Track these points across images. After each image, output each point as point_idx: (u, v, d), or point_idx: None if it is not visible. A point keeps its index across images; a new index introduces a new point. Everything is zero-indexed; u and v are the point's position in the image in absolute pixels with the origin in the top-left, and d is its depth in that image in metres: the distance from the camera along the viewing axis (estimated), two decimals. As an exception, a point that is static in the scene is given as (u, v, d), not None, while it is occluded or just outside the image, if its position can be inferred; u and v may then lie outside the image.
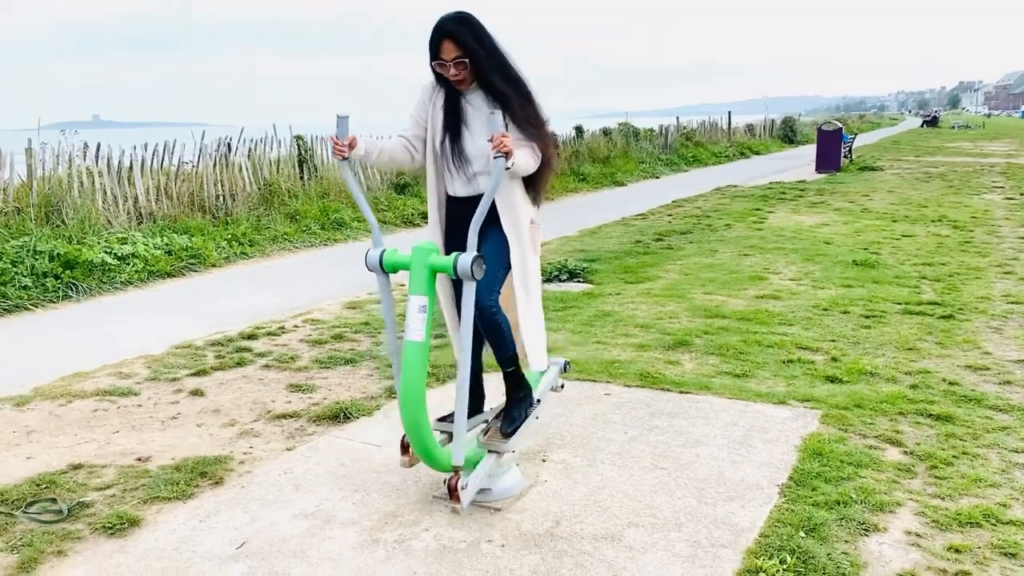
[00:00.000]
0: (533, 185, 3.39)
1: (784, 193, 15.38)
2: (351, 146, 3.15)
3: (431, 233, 3.42)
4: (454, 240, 3.29)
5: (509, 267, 3.31)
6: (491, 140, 2.94)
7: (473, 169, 3.28)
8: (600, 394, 4.73)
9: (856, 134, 28.07)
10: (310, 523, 3.28)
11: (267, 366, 5.31)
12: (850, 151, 22.68)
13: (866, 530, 3.15)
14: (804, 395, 4.59)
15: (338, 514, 3.35)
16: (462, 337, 3.06)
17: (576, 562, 2.96)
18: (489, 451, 3.45)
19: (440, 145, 3.32)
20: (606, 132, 21.25)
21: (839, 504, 3.32)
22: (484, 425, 3.59)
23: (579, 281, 7.99)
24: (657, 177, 20.18)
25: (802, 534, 3.10)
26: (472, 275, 2.95)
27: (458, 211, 3.34)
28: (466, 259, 2.94)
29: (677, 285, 7.62)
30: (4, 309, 6.83)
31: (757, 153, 28.30)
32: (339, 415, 4.37)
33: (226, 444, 4.07)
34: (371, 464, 3.79)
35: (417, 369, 3.01)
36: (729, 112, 30.86)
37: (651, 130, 23.66)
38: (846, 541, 3.06)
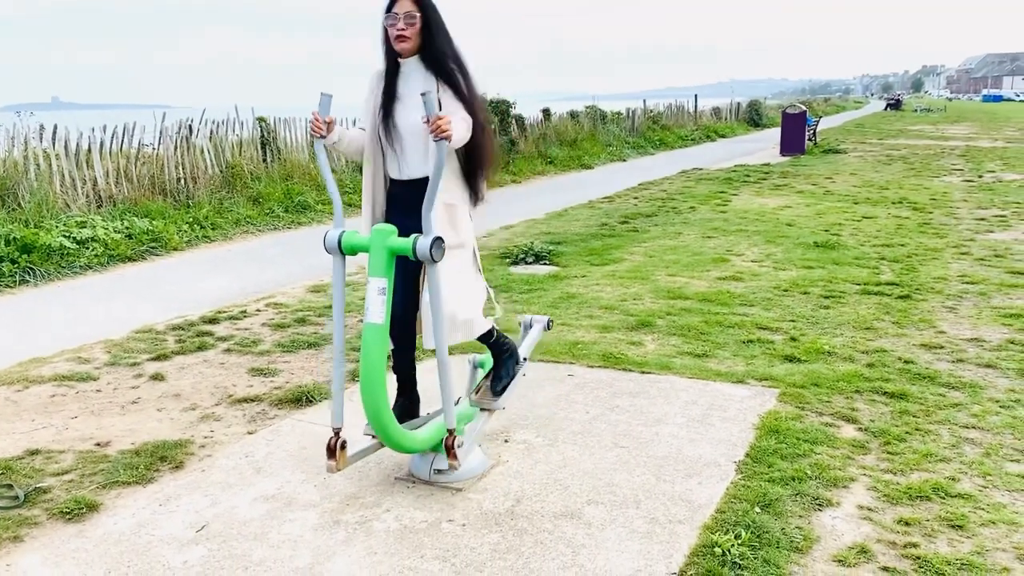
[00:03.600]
0: (468, 171, 3.35)
1: (748, 176, 15.51)
2: (329, 127, 3.14)
3: (364, 215, 3.39)
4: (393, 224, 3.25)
5: None
6: (427, 122, 2.91)
7: (406, 147, 3.25)
8: (563, 375, 4.76)
9: (820, 117, 28.38)
10: (271, 506, 3.28)
11: (229, 350, 5.27)
12: (814, 134, 22.92)
13: (820, 505, 3.22)
14: (763, 374, 4.66)
15: (299, 496, 3.35)
16: (434, 316, 3.06)
17: (536, 540, 2.99)
18: (481, 409, 3.51)
19: (379, 122, 3.29)
20: (573, 115, 21.25)
21: (794, 480, 3.39)
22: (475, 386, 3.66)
23: (545, 264, 8.01)
24: (624, 160, 20.24)
25: (757, 510, 3.16)
26: (431, 257, 2.95)
27: (398, 194, 3.33)
28: (425, 241, 2.94)
29: (641, 267, 7.67)
30: (-41, 294, 6.70)
31: (723, 136, 28.48)
32: (301, 399, 4.36)
33: (187, 428, 4.05)
34: (333, 446, 3.79)
35: (377, 352, 3.01)
36: (696, 95, 31.00)
37: (618, 113, 23.70)
38: (800, 516, 3.13)
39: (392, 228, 3.05)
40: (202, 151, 10.59)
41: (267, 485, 3.45)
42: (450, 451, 3.15)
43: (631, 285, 6.94)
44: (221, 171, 10.71)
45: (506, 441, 3.86)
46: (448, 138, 2.91)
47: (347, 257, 3.12)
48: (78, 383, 4.66)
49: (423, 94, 2.91)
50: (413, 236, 2.97)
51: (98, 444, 3.85)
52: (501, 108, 17.06)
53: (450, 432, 3.16)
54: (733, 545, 2.88)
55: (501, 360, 3.59)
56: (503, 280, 7.19)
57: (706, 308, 6.09)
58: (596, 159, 19.32)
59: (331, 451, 3.15)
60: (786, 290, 6.61)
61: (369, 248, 3.02)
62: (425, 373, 3.78)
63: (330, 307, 6.23)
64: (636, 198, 12.88)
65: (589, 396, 4.42)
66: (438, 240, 2.96)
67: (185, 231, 9.12)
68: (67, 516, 3.17)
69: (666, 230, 9.76)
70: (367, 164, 3.40)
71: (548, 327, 4.11)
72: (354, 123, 3.73)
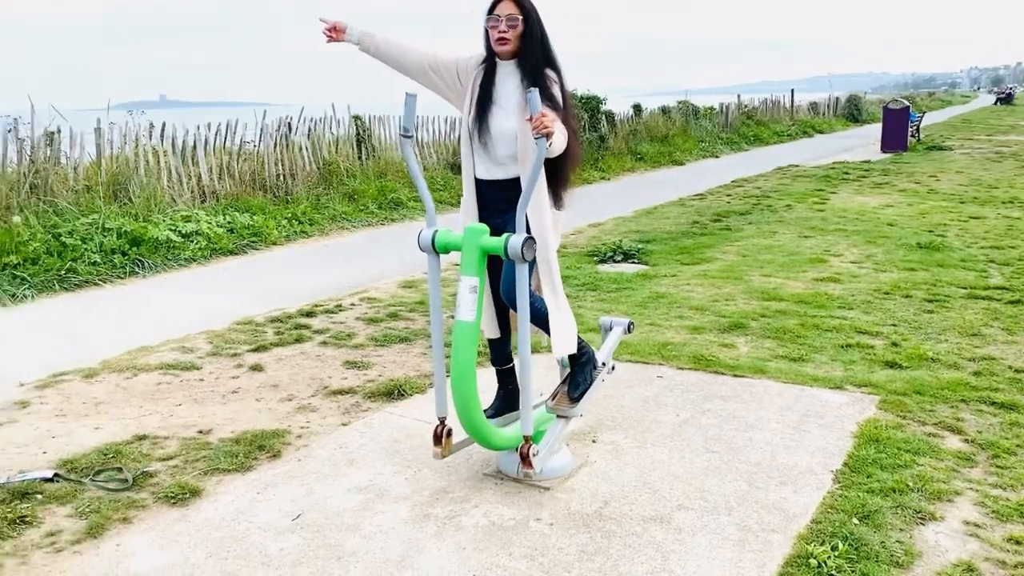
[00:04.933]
0: (556, 178, 3.34)
1: (847, 173, 15.00)
2: (336, 30, 3.30)
3: (463, 216, 3.42)
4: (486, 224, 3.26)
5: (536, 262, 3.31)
6: (530, 120, 2.91)
7: (497, 150, 3.27)
8: (652, 376, 4.71)
9: (924, 112, 27.17)
10: (363, 497, 3.35)
11: (324, 343, 5.42)
12: (918, 130, 21.98)
13: (922, 519, 3.09)
14: (862, 380, 4.50)
15: (391, 489, 3.41)
16: (519, 315, 3.09)
17: (624, 543, 2.97)
18: (558, 416, 3.51)
19: (471, 123, 3.31)
20: (665, 110, 20.96)
21: (895, 492, 3.27)
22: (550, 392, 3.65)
23: (634, 262, 7.94)
24: (716, 156, 19.86)
25: (855, 521, 3.05)
26: (523, 256, 2.96)
27: (486, 194, 3.34)
28: (517, 240, 2.95)
29: (734, 267, 7.51)
30: (75, 284, 7.08)
31: (820, 132, 27.62)
32: (393, 392, 4.44)
33: (284, 418, 4.17)
34: (423, 441, 3.84)
35: (467, 349, 3.03)
36: (792, 90, 30.12)
37: (711, 108, 23.25)
38: (901, 529, 3.01)
39: (484, 227, 3.07)
40: (300, 148, 10.90)
41: (360, 476, 3.53)
42: (525, 459, 3.14)
43: (723, 285, 6.80)
44: (318, 168, 10.99)
45: (594, 441, 3.84)
46: (549, 135, 2.90)
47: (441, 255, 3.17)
48: (182, 372, 4.86)
49: (529, 91, 2.92)
50: (505, 235, 2.99)
51: (200, 431, 4.01)
52: (591, 104, 16.96)
53: (526, 439, 3.15)
54: (830, 557, 2.79)
55: (578, 365, 3.57)
56: (591, 278, 7.15)
57: (802, 310, 5.92)
58: (688, 155, 19.01)
59: (437, 438, 3.28)
60: (887, 293, 6.37)
61: (462, 247, 3.05)
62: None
63: (421, 303, 6.32)
64: (729, 195, 12.62)
65: (679, 399, 4.36)
66: (529, 240, 2.97)
67: (284, 226, 9.40)
68: (171, 500, 3.31)
69: (761, 229, 9.53)
70: (463, 162, 3.44)
71: (629, 330, 4.06)
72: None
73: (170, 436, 3.95)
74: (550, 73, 3.29)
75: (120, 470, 3.56)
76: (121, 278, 7.45)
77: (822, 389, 4.43)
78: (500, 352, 3.59)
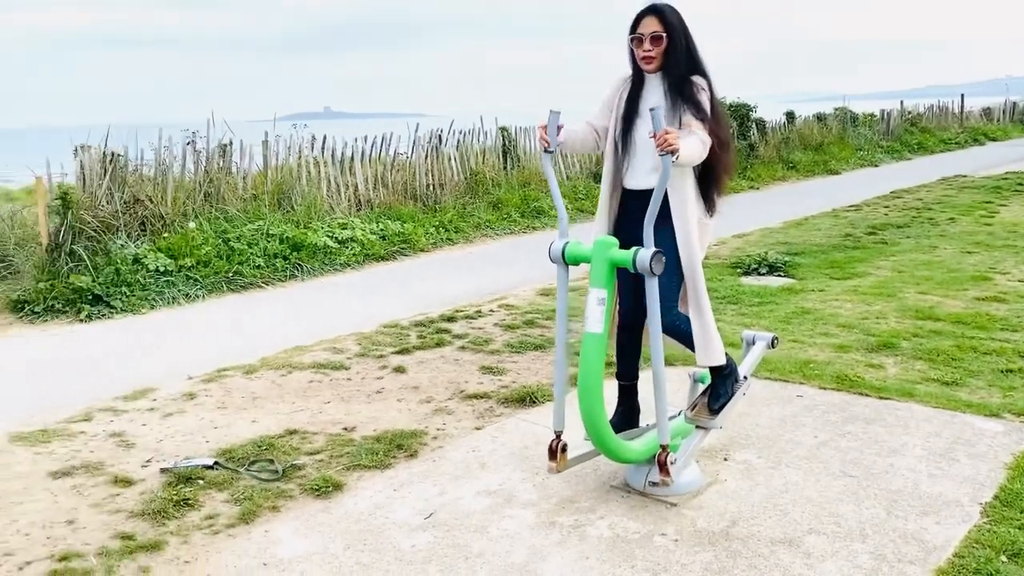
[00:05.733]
0: (706, 188, 3.34)
1: (1021, 184, 13.91)
2: (558, 133, 3.28)
3: (597, 225, 3.46)
4: (620, 235, 3.29)
5: (683, 274, 3.31)
6: (654, 137, 2.94)
7: (641, 161, 3.29)
8: (791, 395, 4.58)
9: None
10: (492, 500, 3.46)
11: (463, 347, 5.60)
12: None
13: (1082, 562, 2.87)
14: (1022, 409, 4.20)
15: (519, 494, 3.51)
16: (651, 329, 3.12)
17: (750, 563, 2.93)
18: (696, 427, 3.51)
19: (617, 134, 3.36)
20: (820, 117, 20.14)
21: (1052, 531, 3.04)
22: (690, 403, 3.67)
23: (779, 275, 7.71)
24: (876, 165, 18.89)
25: (1003, 559, 2.88)
26: (651, 270, 2.99)
27: (629, 203, 3.37)
28: (645, 255, 2.98)
29: (888, 283, 7.16)
30: (241, 286, 7.64)
31: (993, 139, 25.66)
32: (526, 399, 4.54)
33: (422, 420, 4.36)
34: (553, 449, 3.91)
35: (595, 360, 3.09)
36: (962, 95, 28.18)
37: (871, 115, 22.13)
38: (1056, 572, 2.81)
39: (614, 240, 3.12)
40: (449, 159, 11.27)
41: (490, 480, 3.64)
42: (663, 467, 3.16)
43: (874, 302, 6.50)
44: (465, 178, 11.33)
45: (725, 459, 3.79)
46: (673, 152, 2.92)
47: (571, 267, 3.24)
48: (332, 371, 5.16)
49: (651, 109, 2.95)
50: (634, 249, 3.02)
51: (345, 428, 4.25)
52: (740, 112, 16.56)
53: (663, 448, 3.17)
54: (971, 595, 2.65)
55: (720, 377, 3.54)
56: (732, 292, 7.02)
57: (960, 331, 5.58)
58: (844, 164, 18.19)
59: (552, 453, 3.28)
60: (1060, 315, 5.89)
61: (591, 259, 3.11)
62: (645, 383, 3.80)
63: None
64: (887, 207, 12.00)
65: (819, 419, 4.22)
66: (658, 254, 2.99)
67: (431, 234, 9.75)
68: (316, 492, 3.54)
69: (920, 243, 9.02)
70: (605, 172, 3.49)
71: (772, 345, 3.98)
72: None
73: (318, 432, 4.22)
74: (697, 80, 3.29)
75: (272, 462, 3.84)
76: (282, 281, 7.96)
77: (976, 416, 4.17)
78: (627, 366, 3.61)
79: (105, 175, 7.71)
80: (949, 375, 4.76)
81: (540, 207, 11.20)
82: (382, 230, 9.34)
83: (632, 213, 3.38)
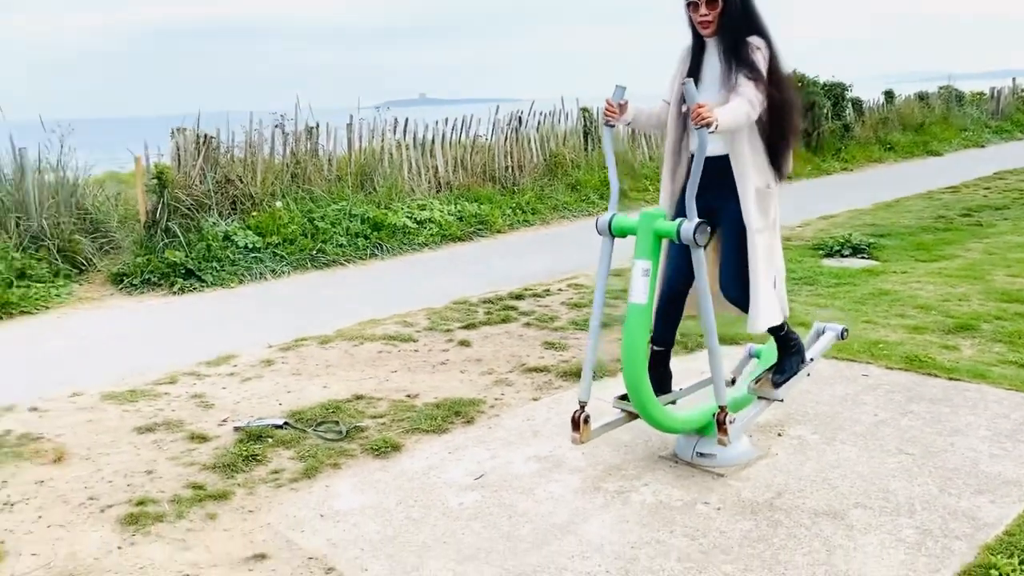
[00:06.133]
0: (773, 152, 3.33)
1: None
2: (622, 109, 3.31)
3: (662, 194, 3.49)
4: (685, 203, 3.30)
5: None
6: (687, 110, 2.95)
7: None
8: (856, 375, 4.51)
9: None
10: (541, 465, 3.56)
11: (528, 324, 5.70)
12: None
13: None
14: (1102, 392, 4.03)
15: (567, 461, 3.59)
16: (699, 299, 3.14)
17: (790, 533, 2.94)
18: (759, 397, 3.56)
19: (679, 101, 3.37)
20: (922, 97, 19.30)
21: (1114, 513, 2.94)
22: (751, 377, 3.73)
23: (863, 257, 7.51)
24: (982, 146, 18.01)
25: (1058, 539, 2.80)
26: (695, 241, 3.01)
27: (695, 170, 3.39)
28: (689, 226, 3.01)
29: (977, 265, 6.90)
30: (323, 263, 7.94)
31: (1119, 118, 24.06)
32: (585, 373, 4.61)
33: (482, 390, 4.49)
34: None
35: (639, 331, 3.14)
36: (1085, 70, 26.47)
37: (980, 94, 21.08)
38: (1113, 553, 2.72)
39: (660, 212, 3.16)
40: (529, 141, 11.35)
41: (541, 447, 3.74)
42: (721, 426, 3.21)
43: (959, 284, 6.28)
44: (545, 160, 11.39)
45: (779, 435, 3.78)
46: (708, 125, 2.93)
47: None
48: (401, 343, 5.35)
49: (683, 83, 2.97)
50: (678, 220, 3.05)
51: (408, 396, 4.42)
52: (835, 91, 16.03)
53: (721, 408, 3.21)
54: (1015, 570, 2.60)
55: (787, 355, 3.55)
56: (810, 272, 6.89)
57: (1046, 314, 5.35)
58: (946, 145, 17.41)
59: (575, 424, 3.26)
60: None
61: (636, 231, 3.15)
62: (694, 359, 3.82)
63: (624, 290, 6.42)
64: (987, 188, 11.48)
65: (881, 398, 4.15)
66: (702, 224, 3.01)
67: (508, 215, 9.87)
68: (375, 452, 3.72)
69: (1017, 225, 8.62)
70: (668, 140, 3.51)
71: (842, 337, 3.93)
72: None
73: (382, 398, 4.40)
74: (753, 41, 3.26)
75: (337, 423, 4.03)
76: (363, 259, 8.23)
77: (1051, 399, 4.02)
78: (665, 333, 3.59)
79: (199, 156, 8.12)
80: (1028, 358, 4.59)
81: (620, 189, 11.17)
82: (460, 211, 9.51)
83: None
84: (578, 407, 3.28)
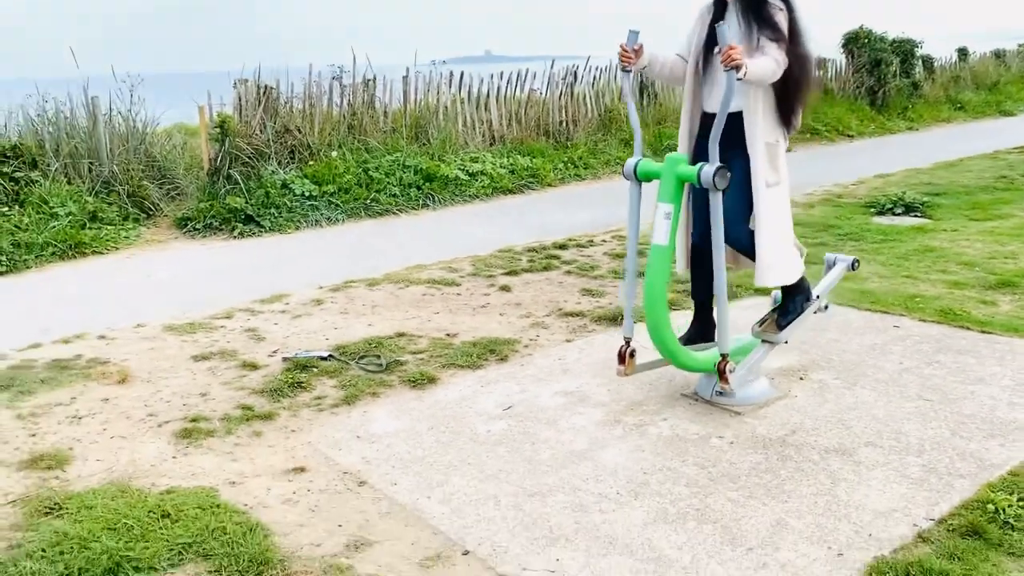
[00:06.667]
0: (784, 105, 3.39)
1: None
2: (637, 54, 3.41)
3: (680, 147, 3.59)
4: (701, 156, 3.41)
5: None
6: (718, 52, 3.03)
7: (717, 85, 3.38)
8: (888, 326, 4.56)
9: None
10: (567, 400, 3.74)
11: (569, 272, 5.86)
12: None
13: None
14: None
15: (592, 396, 3.76)
16: (714, 243, 3.26)
17: (798, 466, 3.07)
18: (762, 341, 3.65)
19: (699, 58, 3.45)
20: (998, 55, 18.61)
21: (1124, 459, 2.99)
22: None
23: (916, 215, 7.45)
24: (1059, 106, 17.34)
25: (1061, 480, 2.87)
26: (715, 185, 3.12)
27: (708, 125, 3.47)
28: (709, 170, 3.11)
29: (1031, 225, 6.79)
30: (377, 212, 8.18)
31: None
32: (618, 318, 4.75)
33: (518, 331, 4.67)
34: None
35: (660, 271, 3.27)
36: None
37: (1063, 52, 20.21)
38: (1116, 496, 2.78)
39: (683, 157, 3.27)
40: (584, 97, 11.38)
41: (569, 383, 3.92)
42: (722, 374, 3.33)
43: (1009, 243, 6.21)
44: (599, 115, 11.41)
45: (801, 379, 3.88)
46: (737, 68, 3.01)
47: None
48: (444, 287, 5.56)
49: (716, 25, 3.05)
50: (699, 164, 3.16)
51: (448, 335, 4.63)
52: (904, 48, 15.57)
53: (723, 357, 3.33)
54: (1011, 505, 2.70)
55: (791, 296, 3.63)
56: (857, 228, 6.87)
57: (1093, 272, 5.28)
58: (1020, 105, 16.82)
59: (621, 357, 3.50)
60: None
61: (660, 175, 3.27)
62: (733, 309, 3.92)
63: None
64: (1057, 149, 11.12)
65: (909, 348, 4.20)
66: (722, 169, 3.11)
67: (560, 169, 9.97)
68: (412, 384, 3.94)
69: (1082, 186, 8.39)
70: (685, 97, 3.61)
71: (853, 267, 3.99)
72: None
73: (423, 336, 4.62)
74: (774, 1, 3.33)
75: (379, 357, 4.27)
76: (415, 209, 8.45)
77: (1083, 353, 4.02)
78: (701, 286, 3.73)
79: (259, 106, 8.40)
80: (1067, 314, 4.57)
81: (674, 144, 11.11)
82: (512, 164, 9.64)
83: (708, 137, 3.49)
84: (624, 342, 3.46)
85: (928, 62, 16.58)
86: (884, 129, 14.12)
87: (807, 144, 12.75)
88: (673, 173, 3.22)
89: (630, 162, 3.39)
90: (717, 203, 3.19)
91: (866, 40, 14.77)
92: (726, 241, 3.30)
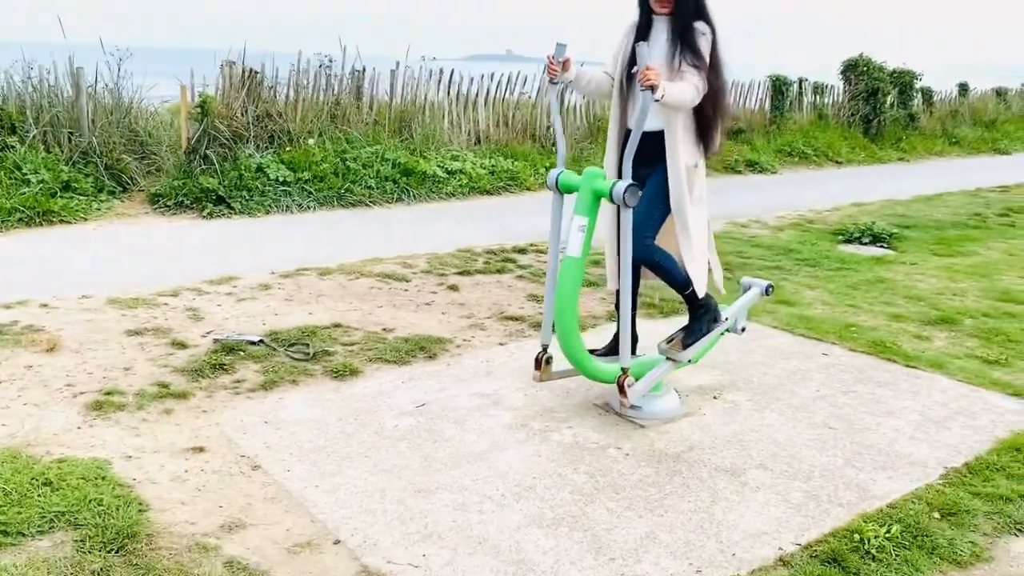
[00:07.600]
0: (704, 131, 3.46)
1: None
2: (564, 67, 3.47)
3: (607, 161, 3.66)
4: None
5: (667, 210, 3.46)
6: (636, 72, 3.10)
7: (637, 100, 3.44)
8: (817, 352, 4.61)
9: None
10: (482, 401, 3.80)
11: (521, 276, 5.92)
12: None
13: (1021, 531, 2.88)
14: (1049, 393, 4.07)
15: (507, 399, 3.82)
16: (622, 261, 3.33)
17: (684, 483, 3.13)
18: (667, 358, 3.71)
19: (622, 76, 3.52)
20: (999, 92, 18.64)
21: (1004, 500, 3.05)
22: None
23: (881, 246, 7.50)
24: (1056, 149, 17.37)
25: (936, 515, 2.93)
26: (625, 202, 3.18)
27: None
28: (620, 186, 3.18)
29: (990, 264, 6.84)
30: (350, 203, 8.25)
31: None
32: (554, 325, 4.81)
33: (455, 331, 4.73)
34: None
35: (571, 282, 3.33)
36: None
37: (1065, 94, 20.23)
38: (985, 534, 2.84)
39: (600, 171, 3.32)
40: (575, 105, 11.44)
41: (488, 385, 3.98)
42: (621, 388, 3.39)
43: (963, 280, 6.26)
44: (588, 124, 11.47)
45: (715, 398, 3.94)
46: (652, 88, 3.07)
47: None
48: (394, 282, 5.62)
49: (636, 44, 3.11)
50: (611, 180, 3.22)
51: (384, 329, 4.69)
52: (903, 79, 15.63)
53: (623, 371, 3.39)
54: (878, 536, 2.75)
55: (697, 315, 3.68)
56: (817, 256, 6.92)
57: (1034, 316, 5.33)
58: (1017, 144, 16.86)
59: (537, 363, 3.60)
60: None
61: (579, 188, 3.33)
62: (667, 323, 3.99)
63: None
64: (1039, 191, 11.17)
65: (831, 377, 4.26)
66: (632, 187, 3.17)
67: (541, 174, 10.02)
68: (335, 375, 4.00)
69: (1051, 230, 8.44)
70: (611, 113, 3.68)
71: (767, 292, 4.05)
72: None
73: (359, 329, 4.68)
74: (699, 27, 3.40)
75: (308, 346, 4.33)
76: (389, 203, 8.52)
77: (998, 394, 4.08)
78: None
79: (243, 88, 8.47)
80: (996, 355, 4.62)
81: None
82: (492, 166, 9.70)
83: (636, 153, 3.56)
84: (541, 349, 3.56)
85: (927, 94, 16.63)
86: (874, 158, 14.17)
87: (794, 167, 12.81)
88: (589, 187, 3.29)
89: (553, 173, 3.46)
90: (628, 218, 3.25)
91: (865, 68, 14.82)
92: (633, 255, 3.37)
